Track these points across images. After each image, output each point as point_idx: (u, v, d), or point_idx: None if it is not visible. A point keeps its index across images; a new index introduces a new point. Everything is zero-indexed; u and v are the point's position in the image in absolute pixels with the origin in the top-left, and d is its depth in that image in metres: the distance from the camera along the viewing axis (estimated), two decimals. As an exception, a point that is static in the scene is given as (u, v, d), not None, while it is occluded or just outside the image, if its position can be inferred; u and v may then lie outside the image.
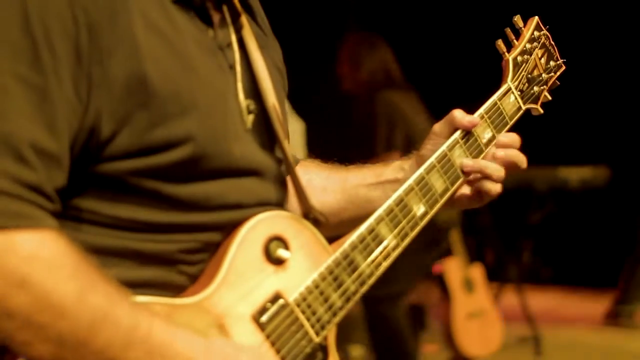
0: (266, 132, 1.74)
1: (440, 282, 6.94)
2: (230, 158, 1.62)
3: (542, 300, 9.24)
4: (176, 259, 1.58)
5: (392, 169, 2.00)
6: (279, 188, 1.75)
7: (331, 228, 1.97)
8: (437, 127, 1.97)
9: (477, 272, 7.06)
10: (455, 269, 6.95)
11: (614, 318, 8.52)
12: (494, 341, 7.08)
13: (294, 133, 5.12)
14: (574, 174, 8.70)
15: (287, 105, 5.02)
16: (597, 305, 9.31)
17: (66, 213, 1.52)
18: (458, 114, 1.93)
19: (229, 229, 1.61)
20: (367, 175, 2.02)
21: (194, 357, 1.47)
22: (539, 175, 8.71)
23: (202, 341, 1.50)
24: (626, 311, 8.43)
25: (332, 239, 1.75)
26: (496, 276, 7.65)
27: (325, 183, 2.04)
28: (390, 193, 1.86)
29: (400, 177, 1.97)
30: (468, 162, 1.91)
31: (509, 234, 9.29)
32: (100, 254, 1.52)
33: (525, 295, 7.85)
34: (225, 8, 1.72)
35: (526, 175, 8.59)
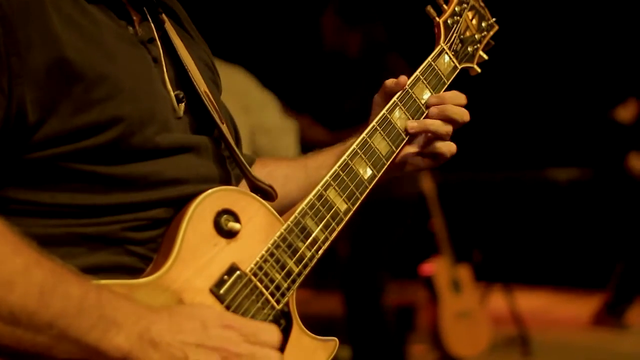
0: (201, 117, 1.76)
1: (428, 282, 6.94)
2: (163, 137, 1.64)
3: (530, 301, 9.24)
4: (121, 238, 1.59)
5: (350, 144, 2.02)
6: (219, 165, 1.77)
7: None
8: (377, 97, 2.02)
9: (465, 273, 7.06)
10: (442, 269, 6.95)
11: (604, 318, 8.53)
12: (481, 341, 7.08)
13: (286, 132, 5.14)
14: (563, 175, 8.71)
15: (278, 105, 4.99)
16: (585, 306, 9.32)
17: (5, 207, 1.53)
18: (388, 82, 1.98)
19: (170, 204, 1.63)
20: (327, 156, 2.05)
21: (145, 314, 1.47)
22: (527, 176, 8.73)
23: (154, 306, 1.50)
24: (616, 312, 8.45)
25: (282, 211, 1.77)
26: (484, 276, 7.65)
27: (286, 171, 2.08)
28: None
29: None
30: (412, 123, 1.94)
31: (496, 234, 9.31)
32: (46, 244, 1.52)
33: (513, 296, 7.86)
34: (145, 9, 1.76)
35: (515, 176, 8.62)
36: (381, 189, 1.90)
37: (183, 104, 1.72)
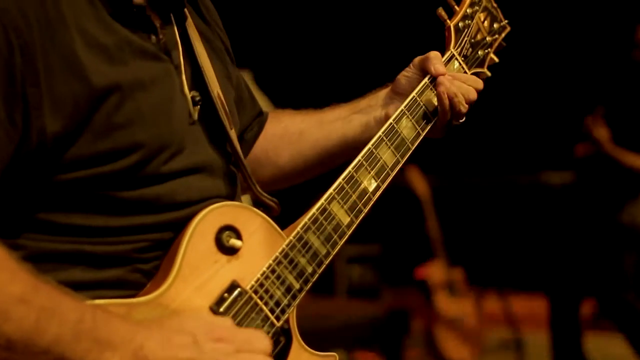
0: (213, 122, 1.75)
1: (423, 286, 6.95)
2: (178, 160, 1.64)
3: (524, 304, 9.24)
4: (130, 258, 1.60)
5: (367, 98, 2.06)
6: (229, 181, 1.76)
7: (313, 169, 2.08)
8: (417, 60, 2.01)
9: (459, 276, 7.07)
10: (437, 272, 6.96)
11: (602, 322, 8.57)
12: (476, 345, 7.09)
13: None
14: (557, 179, 8.72)
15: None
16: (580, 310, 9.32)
17: (17, 223, 1.54)
18: (433, 56, 1.99)
19: (180, 226, 1.62)
20: (343, 110, 2.06)
21: (138, 332, 1.47)
22: (521, 180, 8.74)
23: (145, 322, 1.50)
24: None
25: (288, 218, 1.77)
26: (478, 280, 7.65)
27: (301, 126, 2.07)
28: (363, 122, 1.99)
29: (372, 104, 2.03)
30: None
31: (490, 238, 9.32)
32: (54, 258, 1.55)
33: (508, 299, 7.86)
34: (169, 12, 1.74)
35: (509, 180, 8.63)
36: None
37: (198, 106, 1.71)
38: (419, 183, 6.96)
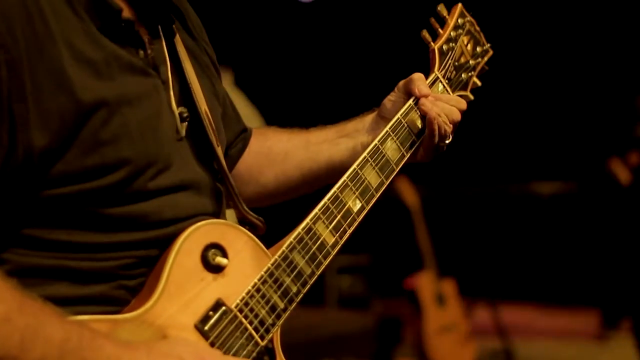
0: (200, 139, 1.75)
1: (412, 296, 6.95)
2: (165, 177, 1.63)
3: (514, 315, 9.26)
4: (115, 275, 1.59)
5: (353, 122, 2.06)
6: (215, 198, 1.76)
7: (297, 189, 2.07)
8: (401, 84, 2.01)
9: (449, 287, 7.07)
10: (427, 283, 6.96)
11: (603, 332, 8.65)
12: (466, 355, 7.08)
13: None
14: (546, 189, 8.74)
15: (261, 119, 4.97)
16: (569, 320, 9.35)
17: (4, 238, 1.53)
18: (417, 77, 1.99)
19: (166, 243, 1.62)
20: (329, 132, 2.06)
21: (124, 353, 1.46)
22: (511, 190, 8.75)
23: (133, 343, 1.49)
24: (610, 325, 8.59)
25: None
26: (468, 290, 7.66)
27: (286, 146, 2.07)
28: (350, 147, 1.99)
29: (359, 129, 2.03)
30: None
31: (480, 248, 9.33)
32: (39, 273, 1.54)
33: (498, 309, 7.87)
34: (158, 26, 1.74)
35: (498, 190, 8.64)
36: None
37: (186, 123, 1.71)
38: (409, 193, 6.96)
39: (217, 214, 1.75)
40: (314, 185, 2.07)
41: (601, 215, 8.09)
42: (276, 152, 2.05)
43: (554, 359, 8.06)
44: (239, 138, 2.08)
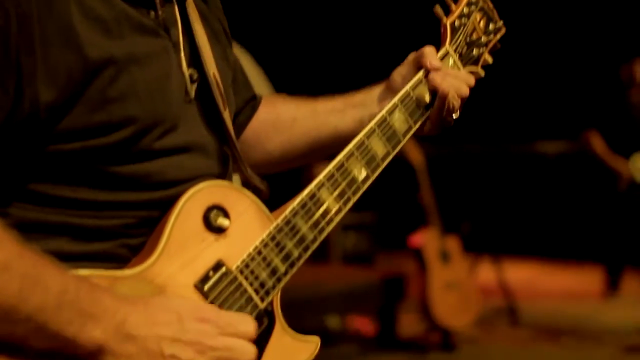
0: (208, 102, 1.75)
1: (417, 254, 6.97)
2: (171, 138, 1.64)
3: (518, 272, 9.29)
4: (118, 233, 1.60)
5: (362, 93, 2.05)
6: (221, 161, 1.76)
7: (303, 157, 2.08)
8: (412, 56, 2.01)
9: (453, 244, 7.09)
10: (431, 240, 6.98)
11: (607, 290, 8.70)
12: (470, 312, 7.12)
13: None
14: (551, 148, 8.74)
15: (269, 85, 4.95)
16: (572, 276, 9.39)
17: (7, 192, 1.54)
18: (428, 51, 1.98)
19: (170, 204, 1.62)
20: (337, 102, 2.05)
21: (122, 306, 1.48)
22: (516, 149, 8.75)
23: (131, 298, 1.51)
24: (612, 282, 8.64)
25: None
26: (472, 248, 7.69)
27: (294, 114, 2.07)
28: (356, 118, 1.98)
29: (367, 100, 2.02)
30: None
31: (485, 206, 9.34)
32: (41, 228, 1.55)
33: (502, 267, 7.90)
34: None
35: (504, 149, 8.63)
36: None
37: (195, 85, 1.71)
38: (414, 151, 6.97)
39: (222, 177, 1.75)
40: (319, 155, 2.07)
41: (605, 173, 8.09)
42: (283, 120, 2.05)
43: (558, 317, 8.10)
44: (248, 105, 2.08)
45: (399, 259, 8.29)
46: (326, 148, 2.04)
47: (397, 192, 8.72)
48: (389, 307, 7.34)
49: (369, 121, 1.91)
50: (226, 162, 1.78)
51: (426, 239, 6.97)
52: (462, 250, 7.12)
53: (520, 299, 7.95)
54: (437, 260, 6.95)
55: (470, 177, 9.65)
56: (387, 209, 9.18)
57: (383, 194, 6.79)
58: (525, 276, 9.61)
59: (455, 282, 7.00)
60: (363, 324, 7.55)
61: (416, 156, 6.99)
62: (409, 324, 7.47)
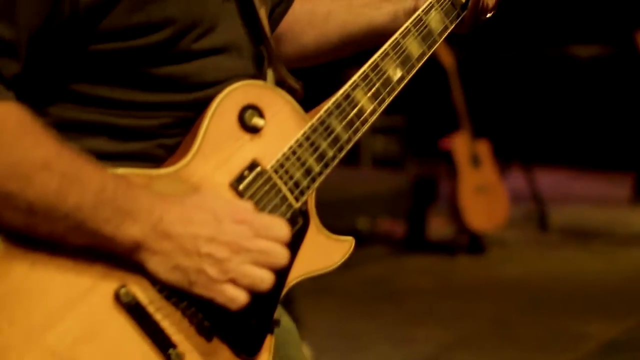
0: (244, 1, 1.72)
1: (448, 157, 6.98)
2: (209, 39, 1.62)
3: (548, 178, 9.29)
4: (155, 133, 1.60)
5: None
6: (257, 62, 1.75)
7: (336, 51, 2.04)
8: None
9: (484, 148, 7.09)
10: (462, 143, 6.98)
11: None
12: (499, 216, 7.15)
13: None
14: (584, 52, 8.65)
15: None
16: (603, 184, 9.38)
17: (44, 90, 1.55)
18: None
19: (206, 105, 1.62)
20: None
21: (158, 204, 1.49)
22: (550, 53, 8.67)
23: (167, 196, 1.52)
24: None
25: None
26: (503, 153, 7.67)
27: (329, 8, 2.03)
28: (391, 11, 1.94)
29: None
30: None
31: (518, 111, 9.29)
32: (79, 127, 1.55)
33: (533, 172, 7.90)
34: None
35: (536, 53, 8.56)
36: None
37: None
38: (445, 54, 6.91)
39: (258, 77, 1.74)
40: (353, 48, 2.05)
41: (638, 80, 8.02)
42: (318, 13, 2.02)
43: (587, 223, 8.12)
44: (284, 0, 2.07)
45: (429, 163, 8.29)
46: (360, 42, 2.02)
47: (428, 96, 8.69)
48: (418, 210, 7.39)
49: (403, 15, 1.89)
50: (261, 62, 1.77)
51: (457, 143, 6.96)
52: (492, 155, 7.11)
53: (549, 204, 7.96)
54: (468, 164, 6.96)
55: (501, 81, 9.59)
56: (417, 113, 9.15)
57: (413, 96, 6.77)
58: (555, 182, 9.61)
59: (485, 186, 7.02)
60: (392, 227, 7.61)
61: (448, 58, 6.94)
62: (438, 227, 7.53)
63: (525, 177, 7.92)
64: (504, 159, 7.75)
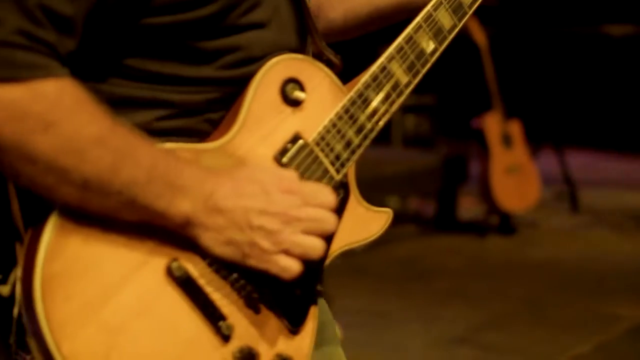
0: None
1: (479, 136, 6.96)
2: (256, 13, 1.63)
3: (579, 160, 9.26)
4: (203, 109, 1.61)
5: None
6: (300, 35, 1.76)
7: (364, 26, 2.06)
8: None
9: (516, 128, 7.06)
10: (493, 123, 6.96)
11: None
12: (530, 196, 7.13)
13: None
14: (617, 30, 8.59)
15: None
16: (635, 166, 9.34)
17: (95, 66, 1.55)
18: None
19: (250, 79, 1.63)
20: None
21: (209, 179, 1.51)
22: (582, 32, 8.62)
23: (216, 170, 1.54)
24: None
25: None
26: (535, 134, 7.64)
27: None
28: None
29: None
30: None
31: (549, 91, 9.25)
32: (131, 103, 1.56)
33: (563, 154, 7.87)
34: None
35: (569, 32, 8.51)
36: None
37: None
38: (478, 32, 6.88)
39: (300, 50, 1.75)
40: (380, 23, 2.06)
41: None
42: None
43: (618, 204, 8.09)
44: None
45: (460, 142, 8.28)
46: (387, 16, 2.03)
47: (459, 74, 8.66)
48: (449, 189, 7.38)
49: None
50: (304, 35, 1.78)
51: (489, 122, 6.95)
52: (523, 136, 7.09)
53: (580, 186, 7.93)
54: (499, 144, 6.94)
55: (532, 62, 9.54)
56: (449, 91, 9.13)
57: (444, 75, 6.76)
58: (586, 163, 9.58)
59: (516, 167, 7.00)
60: (422, 206, 7.60)
61: (480, 36, 6.91)
62: (468, 207, 7.51)
63: (557, 158, 7.88)
64: (535, 140, 7.72)
